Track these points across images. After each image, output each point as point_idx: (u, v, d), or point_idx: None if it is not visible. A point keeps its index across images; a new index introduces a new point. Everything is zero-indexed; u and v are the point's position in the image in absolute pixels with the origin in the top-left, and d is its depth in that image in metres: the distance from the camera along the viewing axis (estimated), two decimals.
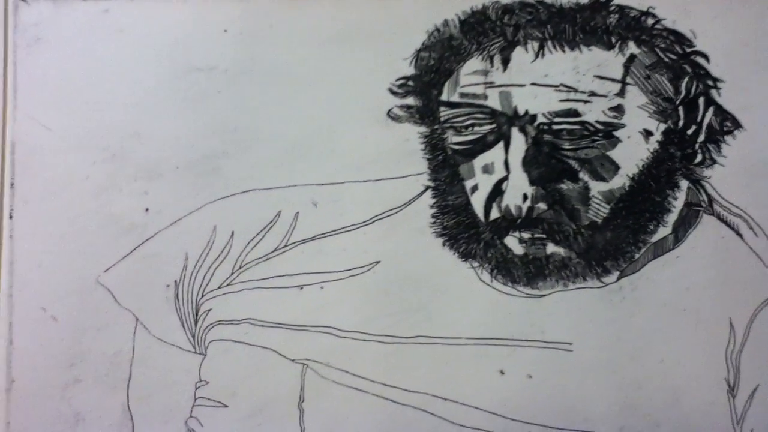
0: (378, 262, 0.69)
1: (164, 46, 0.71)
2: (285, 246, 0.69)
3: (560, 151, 0.66)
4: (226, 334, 0.68)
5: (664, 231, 0.68)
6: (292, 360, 0.68)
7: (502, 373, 0.67)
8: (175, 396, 0.68)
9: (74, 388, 0.68)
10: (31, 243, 0.70)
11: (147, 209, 0.70)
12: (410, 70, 0.70)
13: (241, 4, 0.70)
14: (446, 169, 0.68)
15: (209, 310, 0.69)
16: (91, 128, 0.71)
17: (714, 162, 0.68)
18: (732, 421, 0.66)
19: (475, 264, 0.69)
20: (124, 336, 0.69)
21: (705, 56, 0.68)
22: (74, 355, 0.68)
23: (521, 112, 0.66)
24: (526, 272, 0.67)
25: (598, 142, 0.66)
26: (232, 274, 0.69)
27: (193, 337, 0.69)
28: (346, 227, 0.70)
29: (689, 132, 0.68)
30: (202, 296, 0.69)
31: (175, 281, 0.69)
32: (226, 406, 0.68)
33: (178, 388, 0.69)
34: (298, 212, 0.70)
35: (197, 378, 0.69)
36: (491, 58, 0.67)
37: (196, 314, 0.69)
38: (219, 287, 0.69)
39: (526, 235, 0.66)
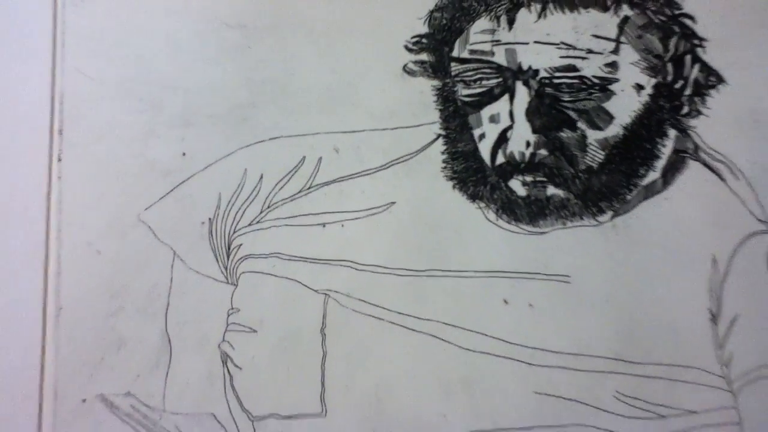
0: (394, 203, 0.71)
1: (199, 5, 0.73)
2: (309, 188, 0.72)
3: (560, 102, 0.68)
4: (255, 266, 0.70)
5: (653, 175, 0.70)
6: (316, 290, 0.70)
7: (506, 302, 0.69)
8: (209, 322, 0.70)
9: (117, 315, 0.70)
10: (77, 184, 0.71)
11: (184, 154, 0.72)
12: (424, 29, 0.72)
13: None
14: (456, 119, 0.71)
15: (240, 245, 0.71)
16: (132, 80, 0.73)
17: (699, 113, 0.70)
18: (714, 346, 0.67)
19: (482, 204, 0.71)
20: (163, 268, 0.70)
21: (692, 18, 0.71)
22: (117, 286, 0.70)
23: (525, 67, 0.69)
24: (528, 212, 0.69)
25: (594, 95, 0.68)
26: (261, 212, 0.71)
27: (226, 269, 0.71)
28: (365, 171, 0.72)
29: (677, 86, 0.70)
30: (234, 232, 0.71)
31: (210, 219, 0.71)
32: (256, 332, 0.70)
33: (212, 316, 0.70)
34: (321, 157, 0.72)
35: (229, 306, 0.70)
36: (498, 18, 0.70)
37: (229, 249, 0.71)
38: (249, 224, 0.71)
39: (528, 179, 0.69)
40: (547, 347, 0.68)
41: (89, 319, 0.70)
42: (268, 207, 0.71)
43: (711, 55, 0.70)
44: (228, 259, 0.71)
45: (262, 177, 0.71)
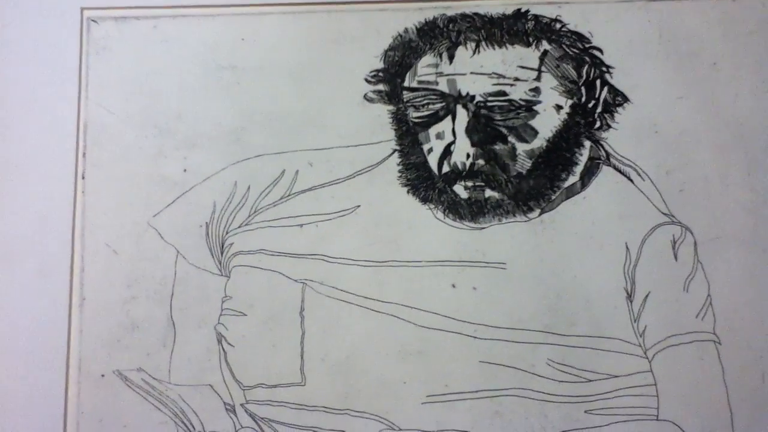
0: (359, 206, 0.74)
1: (198, 50, 0.77)
2: (288, 195, 0.74)
3: (493, 121, 0.71)
4: (245, 261, 0.73)
5: (573, 179, 0.73)
6: (295, 280, 0.72)
7: (453, 286, 0.72)
8: (207, 308, 0.72)
9: (131, 303, 0.73)
10: (98, 196, 0.75)
11: (185, 170, 0.75)
12: (380, 65, 0.76)
13: (254, 19, 0.77)
14: (408, 137, 0.73)
15: (232, 244, 0.73)
16: (144, 111, 0.77)
17: (609, 127, 0.73)
18: (630, 320, 0.70)
19: (432, 206, 0.73)
20: (169, 264, 0.74)
21: (600, 50, 0.74)
22: (131, 279, 0.73)
23: (464, 93, 0.71)
24: (470, 211, 0.72)
25: (521, 114, 0.71)
26: (248, 216, 0.74)
27: (220, 263, 0.74)
28: (335, 181, 0.74)
29: (590, 105, 0.73)
30: (227, 233, 0.74)
31: (207, 223, 0.74)
32: (246, 315, 0.72)
33: (209, 302, 0.72)
34: (298, 170, 0.74)
35: (224, 294, 0.73)
36: (441, 54, 0.72)
37: (222, 247, 0.73)
38: (239, 226, 0.74)
39: (469, 184, 0.71)
40: (489, 323, 0.71)
41: (107, 307, 0.73)
42: (255, 212, 0.74)
43: (617, 79, 0.74)
44: (222, 255, 0.74)
45: (249, 188, 0.74)
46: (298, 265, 0.73)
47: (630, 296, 0.71)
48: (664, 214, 0.73)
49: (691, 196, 0.73)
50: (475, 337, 0.71)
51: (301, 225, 0.74)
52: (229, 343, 0.73)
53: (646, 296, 0.71)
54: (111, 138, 0.77)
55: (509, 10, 0.75)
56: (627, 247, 0.72)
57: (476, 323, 0.71)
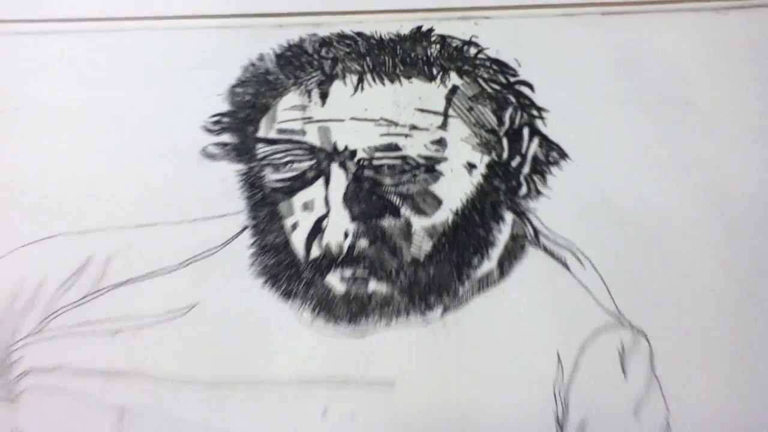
0: (196, 304, 0.59)
1: None
2: (97, 291, 0.59)
3: (381, 186, 0.58)
4: (38, 381, 0.57)
5: (488, 265, 0.59)
6: (108, 406, 0.56)
7: (324, 414, 0.56)
8: None
9: None
10: None
11: None
12: (225, 106, 0.61)
13: (38, 39, 0.60)
14: (265, 208, 0.60)
15: (21, 357, 0.57)
16: None
17: (539, 194, 0.61)
18: None
19: (296, 304, 0.59)
20: None
21: (529, 85, 0.59)
22: None
23: (341, 147, 0.58)
24: (348, 310, 0.58)
25: (419, 177, 0.58)
26: (42, 320, 0.58)
27: (5, 385, 0.57)
28: (161, 270, 0.60)
29: (514, 164, 0.60)
30: (12, 345, 0.58)
31: None
32: None
33: None
34: (110, 256, 0.60)
35: (13, 427, 0.56)
36: (309, 92, 0.60)
37: (7, 363, 0.58)
38: (29, 335, 0.58)
39: (347, 273, 0.58)
40: None
41: None
42: (49, 315, 0.58)
43: (552, 127, 0.59)
44: (6, 375, 0.58)
45: (41, 282, 0.59)
46: (112, 385, 0.56)
47: (561, 425, 0.56)
48: (611, 313, 0.59)
49: (648, 289, 0.58)
50: None
51: (115, 332, 0.58)
52: None
53: (583, 424, 0.56)
54: None
55: (405, 29, 0.60)
56: (559, 358, 0.58)
57: None
